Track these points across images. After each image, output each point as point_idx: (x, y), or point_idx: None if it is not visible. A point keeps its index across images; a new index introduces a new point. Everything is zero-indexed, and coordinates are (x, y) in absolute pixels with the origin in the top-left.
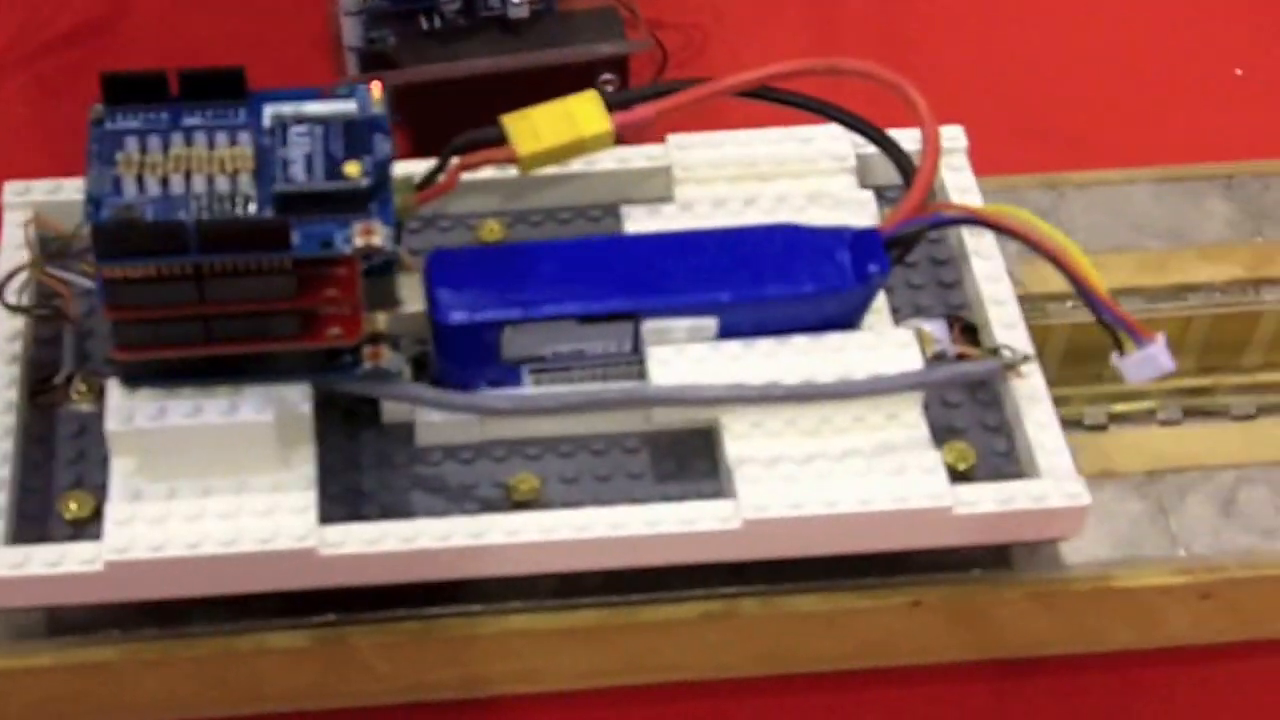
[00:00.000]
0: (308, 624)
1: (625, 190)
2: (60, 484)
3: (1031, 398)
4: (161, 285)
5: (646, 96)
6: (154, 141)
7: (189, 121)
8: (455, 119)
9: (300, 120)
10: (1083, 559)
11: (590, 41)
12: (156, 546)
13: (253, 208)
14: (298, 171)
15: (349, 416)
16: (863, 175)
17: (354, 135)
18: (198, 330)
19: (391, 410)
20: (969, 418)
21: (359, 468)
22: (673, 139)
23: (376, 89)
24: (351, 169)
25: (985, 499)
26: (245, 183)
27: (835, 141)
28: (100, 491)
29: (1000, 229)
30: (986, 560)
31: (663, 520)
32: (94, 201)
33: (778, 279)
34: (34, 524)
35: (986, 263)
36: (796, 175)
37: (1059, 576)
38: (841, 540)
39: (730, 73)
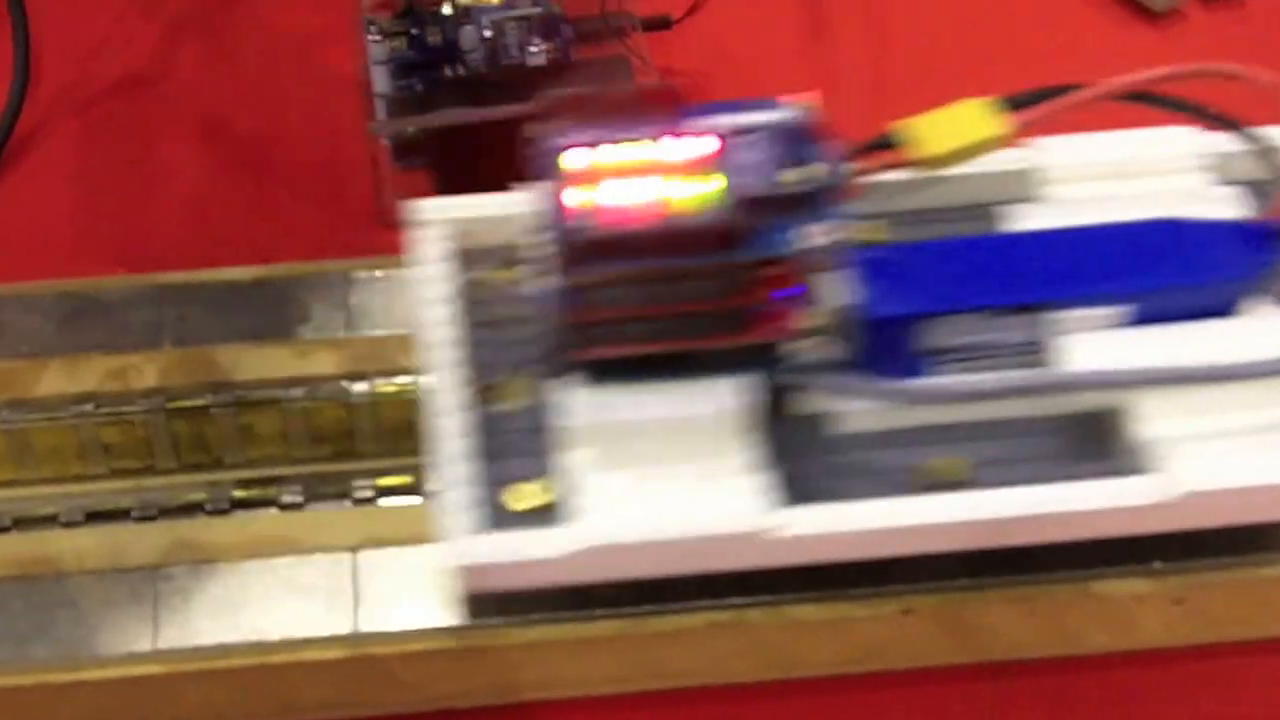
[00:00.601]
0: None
1: (993, 191)
2: (508, 477)
3: None
4: (624, 288)
5: (1035, 100)
6: (603, 154)
7: (631, 135)
8: (478, 160)
9: (745, 130)
10: None
11: (603, 87)
12: (625, 531)
13: (709, 211)
14: (750, 177)
15: (760, 407)
16: (1221, 172)
17: (798, 142)
18: (654, 329)
19: (806, 401)
20: None
21: (781, 455)
22: (1038, 142)
23: (805, 99)
24: (800, 173)
25: None
26: (697, 190)
27: (1191, 140)
28: (549, 483)
29: None
30: None
31: (1092, 497)
32: (553, 213)
33: (1175, 270)
34: (493, 514)
35: None
36: (1158, 174)
37: (1040, 583)
38: (1258, 510)
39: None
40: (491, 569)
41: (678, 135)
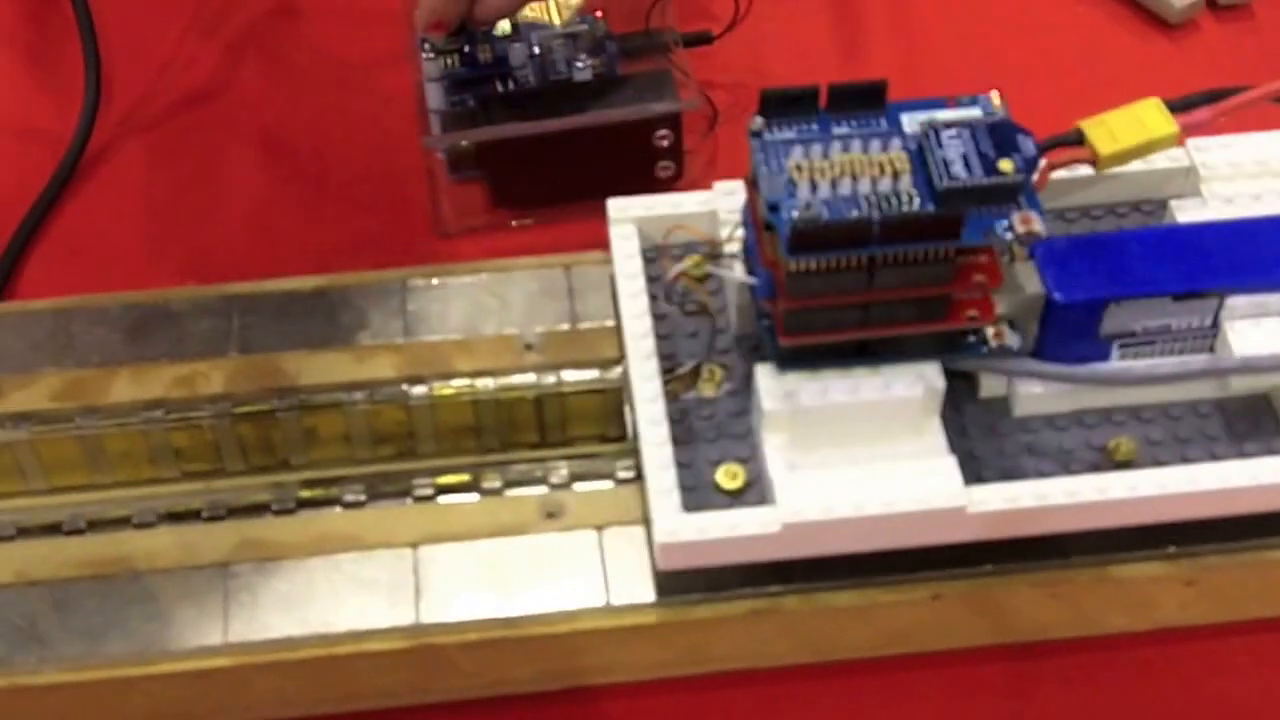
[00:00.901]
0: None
1: (1153, 189)
2: (707, 459)
3: None
4: (837, 276)
5: (1203, 102)
6: (815, 149)
7: (839, 131)
8: (529, 171)
9: (949, 125)
10: None
11: (647, 101)
12: (826, 509)
13: (917, 203)
14: (959, 170)
15: (948, 391)
16: None
17: (1000, 136)
18: (858, 315)
19: (990, 384)
20: None
21: (968, 437)
22: (1191, 142)
23: (996, 95)
24: (1006, 165)
25: None
26: (905, 182)
27: None
28: (746, 465)
29: None
30: None
31: (1263, 474)
32: (773, 206)
33: None
34: (695, 495)
35: None
36: None
37: (1062, 568)
38: None
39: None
40: (696, 546)
41: (885, 131)
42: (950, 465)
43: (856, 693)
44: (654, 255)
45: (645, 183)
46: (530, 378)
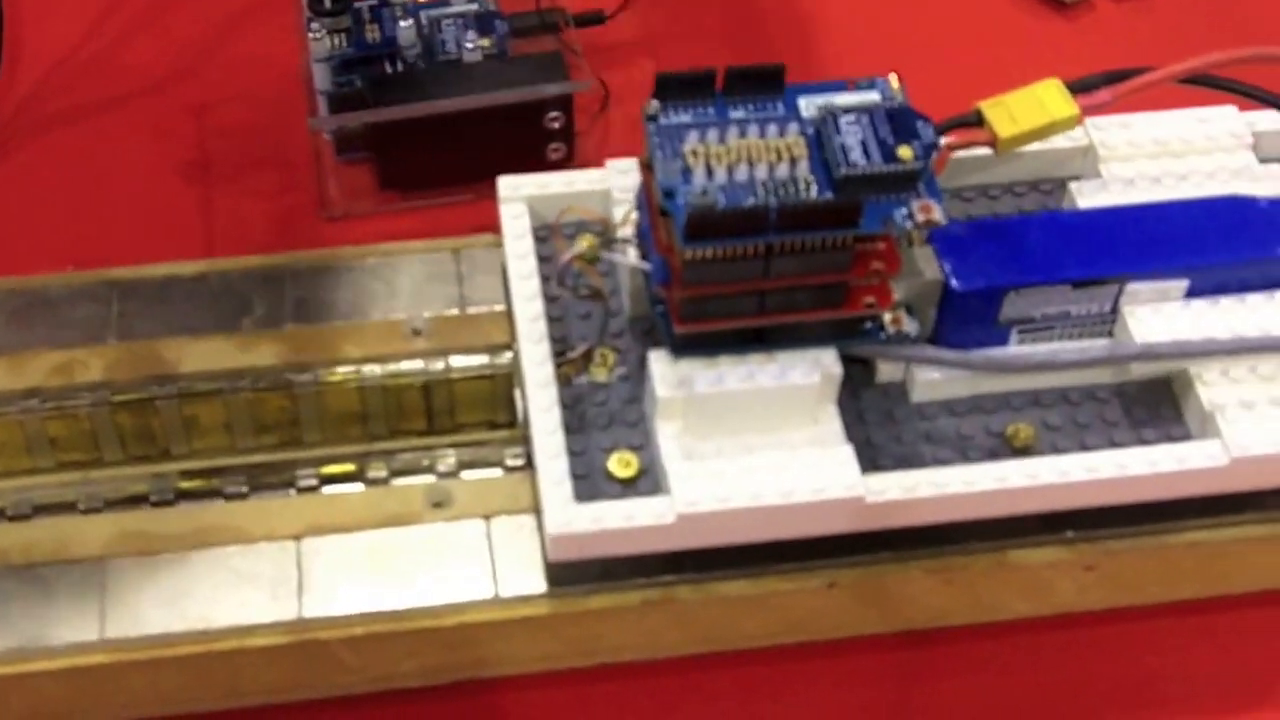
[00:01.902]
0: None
1: (1051, 168)
2: (599, 447)
3: None
4: (733, 263)
5: (1103, 83)
6: (711, 134)
7: (735, 115)
8: (418, 154)
9: (847, 110)
10: None
11: (538, 82)
12: (721, 499)
13: (815, 190)
14: (858, 157)
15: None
16: (1266, 150)
17: (899, 122)
18: (755, 302)
19: (887, 370)
20: None
21: (866, 423)
22: (1090, 121)
23: (894, 79)
24: (905, 152)
25: None
26: (803, 169)
27: (1232, 121)
28: (639, 452)
29: None
30: None
31: (1161, 460)
32: (669, 192)
33: (1241, 244)
34: (587, 484)
35: None
36: (1203, 152)
37: (958, 554)
38: None
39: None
40: (589, 538)
41: (782, 115)
42: (847, 454)
43: (751, 682)
44: (546, 235)
45: (536, 165)
46: (418, 364)
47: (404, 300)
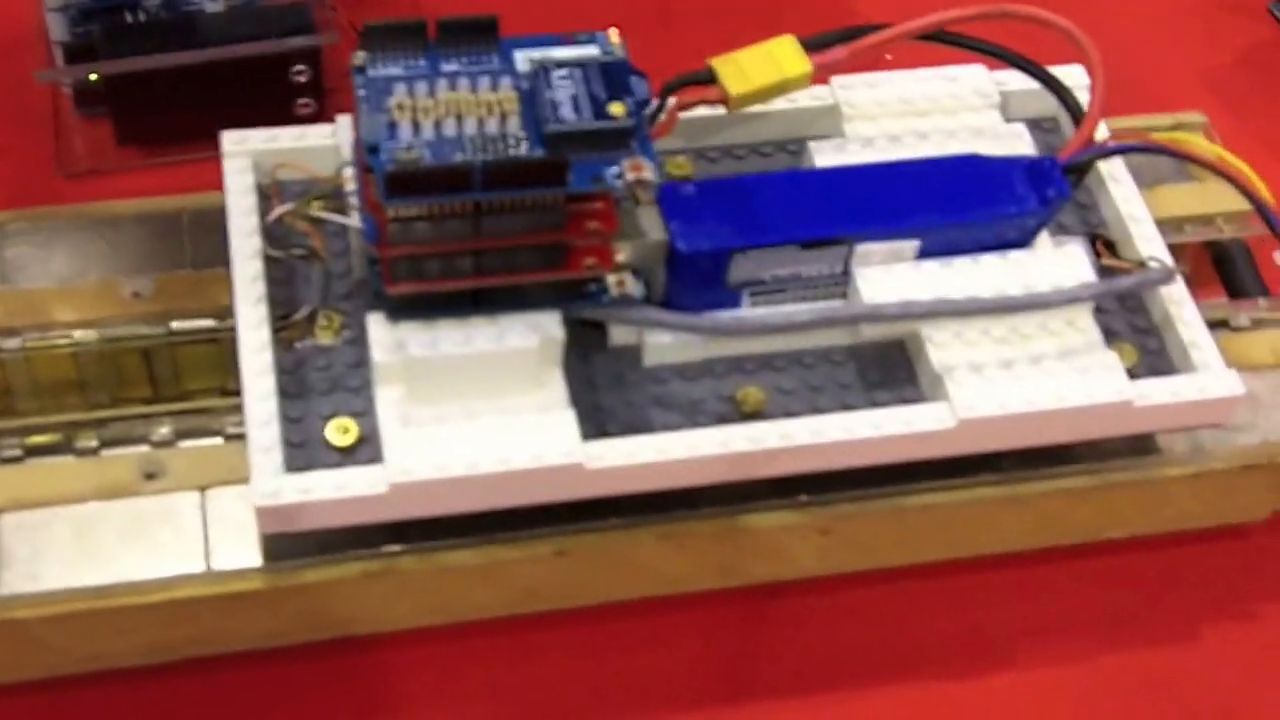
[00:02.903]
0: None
1: (797, 128)
2: (318, 413)
3: (1179, 301)
4: (440, 222)
5: (839, 40)
6: (421, 87)
7: (447, 67)
8: (160, 108)
9: (560, 65)
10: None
11: (281, 34)
12: (437, 467)
13: (524, 147)
14: (567, 112)
15: (575, 341)
16: (1012, 110)
17: (613, 77)
18: (468, 264)
19: (620, 334)
20: (1120, 322)
21: (595, 388)
22: (836, 80)
23: (614, 33)
24: (616, 108)
25: (1157, 392)
26: (514, 124)
27: (979, 79)
28: (360, 419)
29: (1173, 154)
30: (1132, 450)
31: (887, 424)
32: (372, 147)
33: (973, 204)
34: (302, 452)
35: (1120, 186)
36: (949, 111)
37: (690, 519)
38: (1038, 433)
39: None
40: (298, 508)
41: (496, 68)
42: (568, 419)
43: (482, 653)
44: (277, 192)
45: (285, 120)
46: (136, 328)
47: (125, 261)
